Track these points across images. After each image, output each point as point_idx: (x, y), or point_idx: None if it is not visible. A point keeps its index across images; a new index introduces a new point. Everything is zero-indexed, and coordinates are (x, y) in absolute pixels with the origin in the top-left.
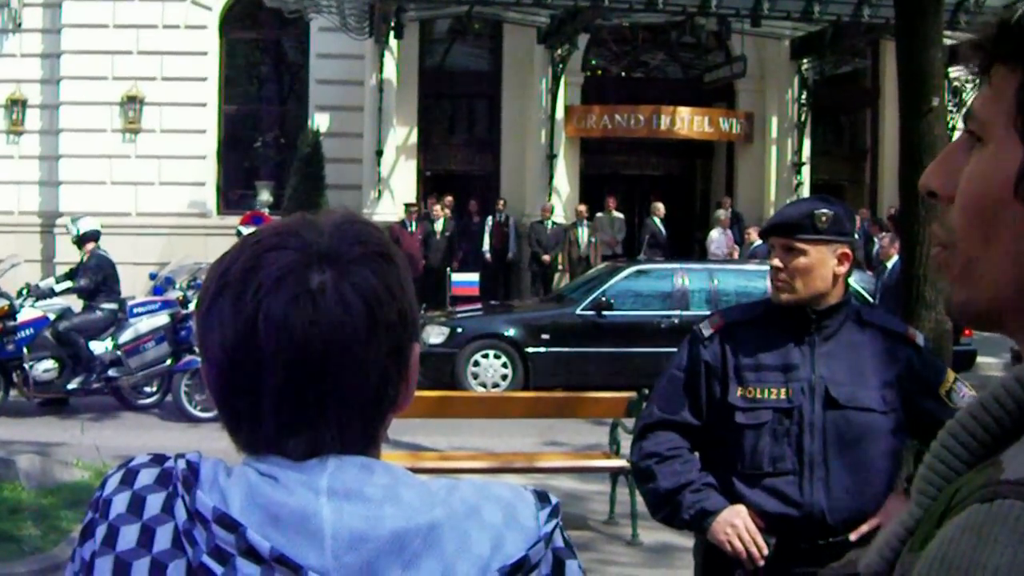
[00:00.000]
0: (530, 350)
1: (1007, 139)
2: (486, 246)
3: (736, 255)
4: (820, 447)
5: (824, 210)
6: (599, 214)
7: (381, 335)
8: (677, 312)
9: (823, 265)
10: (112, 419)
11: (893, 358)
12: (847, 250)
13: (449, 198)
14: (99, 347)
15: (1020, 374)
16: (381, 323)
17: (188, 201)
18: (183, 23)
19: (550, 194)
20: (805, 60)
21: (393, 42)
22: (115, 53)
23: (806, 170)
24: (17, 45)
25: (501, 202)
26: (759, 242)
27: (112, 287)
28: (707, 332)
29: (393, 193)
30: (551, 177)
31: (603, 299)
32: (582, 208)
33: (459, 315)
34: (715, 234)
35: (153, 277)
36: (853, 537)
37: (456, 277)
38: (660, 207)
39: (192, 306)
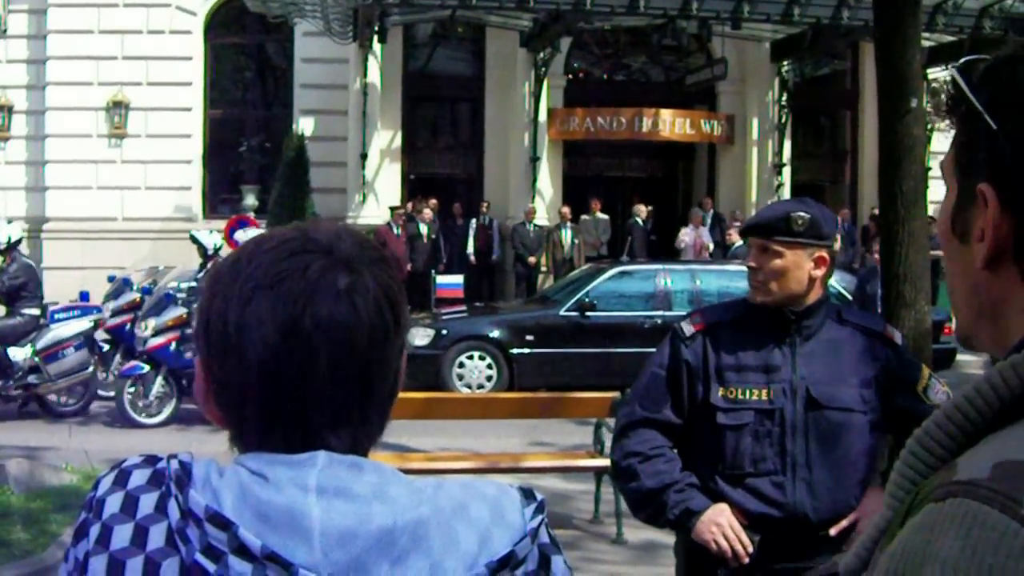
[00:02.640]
0: (515, 351)
1: (951, 181)
2: (470, 248)
3: (708, 254)
4: (803, 448)
5: (801, 213)
6: (584, 216)
7: (402, 332)
8: (660, 313)
9: (798, 268)
10: (100, 423)
11: (872, 357)
12: (824, 254)
13: (433, 201)
14: (18, 353)
15: (980, 386)
16: (401, 321)
17: (174, 206)
18: (168, 28)
19: (533, 196)
20: (785, 62)
21: (377, 46)
22: (100, 58)
23: (787, 171)
24: (3, 51)
25: (485, 204)
26: (740, 243)
27: (34, 292)
28: (688, 331)
29: (378, 196)
30: (534, 179)
31: (586, 300)
32: (565, 210)
33: (444, 317)
34: (684, 231)
35: (112, 280)
36: (833, 532)
37: (441, 279)
38: (643, 208)
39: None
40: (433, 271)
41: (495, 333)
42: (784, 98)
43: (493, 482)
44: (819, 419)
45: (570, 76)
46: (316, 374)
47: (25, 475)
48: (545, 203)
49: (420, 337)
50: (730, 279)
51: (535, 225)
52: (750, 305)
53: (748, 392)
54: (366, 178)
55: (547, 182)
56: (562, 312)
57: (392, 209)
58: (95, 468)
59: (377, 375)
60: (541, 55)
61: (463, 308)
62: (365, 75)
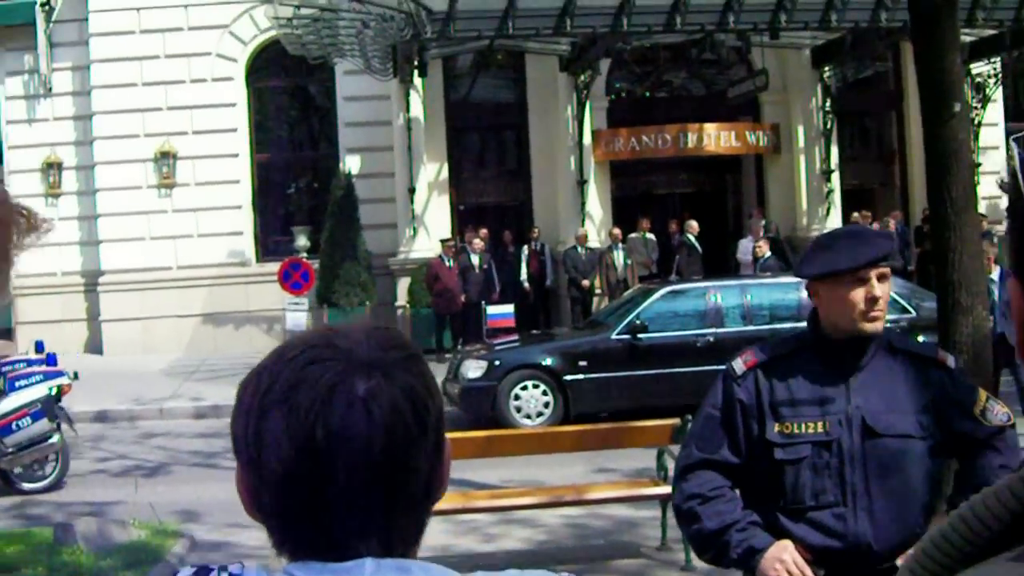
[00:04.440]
0: (568, 378)
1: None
2: (523, 275)
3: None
4: (862, 477)
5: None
6: (632, 235)
7: (429, 434)
8: (712, 330)
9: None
10: (164, 474)
11: (926, 382)
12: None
13: (484, 231)
14: None
15: (985, 499)
16: (427, 422)
17: (227, 251)
18: (210, 76)
19: (583, 219)
20: (826, 68)
21: (417, 80)
22: (146, 111)
23: (836, 177)
24: (49, 109)
25: (535, 231)
26: (769, 255)
27: None
28: (740, 370)
29: (428, 230)
30: (583, 202)
31: (638, 322)
32: (616, 231)
33: (497, 348)
34: (743, 242)
35: None
36: (899, 562)
37: (491, 310)
38: (694, 224)
39: None
40: (483, 302)
41: (548, 361)
42: (827, 104)
43: (542, 573)
44: (877, 448)
45: (612, 97)
46: (335, 485)
47: (94, 533)
48: (595, 225)
49: (473, 369)
50: (784, 292)
51: (587, 248)
52: (800, 339)
53: (804, 425)
54: (415, 212)
55: (596, 204)
56: (614, 336)
57: (443, 242)
58: (162, 522)
59: (401, 480)
60: (582, 78)
61: (515, 337)
62: (408, 109)
